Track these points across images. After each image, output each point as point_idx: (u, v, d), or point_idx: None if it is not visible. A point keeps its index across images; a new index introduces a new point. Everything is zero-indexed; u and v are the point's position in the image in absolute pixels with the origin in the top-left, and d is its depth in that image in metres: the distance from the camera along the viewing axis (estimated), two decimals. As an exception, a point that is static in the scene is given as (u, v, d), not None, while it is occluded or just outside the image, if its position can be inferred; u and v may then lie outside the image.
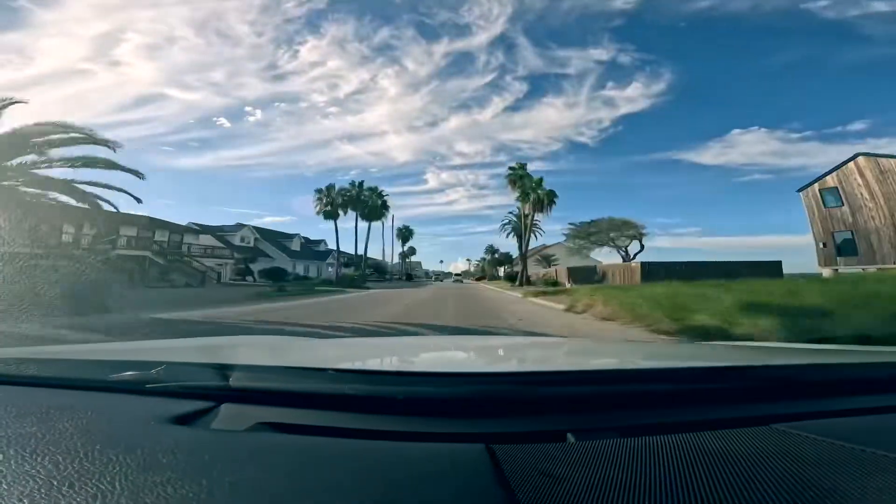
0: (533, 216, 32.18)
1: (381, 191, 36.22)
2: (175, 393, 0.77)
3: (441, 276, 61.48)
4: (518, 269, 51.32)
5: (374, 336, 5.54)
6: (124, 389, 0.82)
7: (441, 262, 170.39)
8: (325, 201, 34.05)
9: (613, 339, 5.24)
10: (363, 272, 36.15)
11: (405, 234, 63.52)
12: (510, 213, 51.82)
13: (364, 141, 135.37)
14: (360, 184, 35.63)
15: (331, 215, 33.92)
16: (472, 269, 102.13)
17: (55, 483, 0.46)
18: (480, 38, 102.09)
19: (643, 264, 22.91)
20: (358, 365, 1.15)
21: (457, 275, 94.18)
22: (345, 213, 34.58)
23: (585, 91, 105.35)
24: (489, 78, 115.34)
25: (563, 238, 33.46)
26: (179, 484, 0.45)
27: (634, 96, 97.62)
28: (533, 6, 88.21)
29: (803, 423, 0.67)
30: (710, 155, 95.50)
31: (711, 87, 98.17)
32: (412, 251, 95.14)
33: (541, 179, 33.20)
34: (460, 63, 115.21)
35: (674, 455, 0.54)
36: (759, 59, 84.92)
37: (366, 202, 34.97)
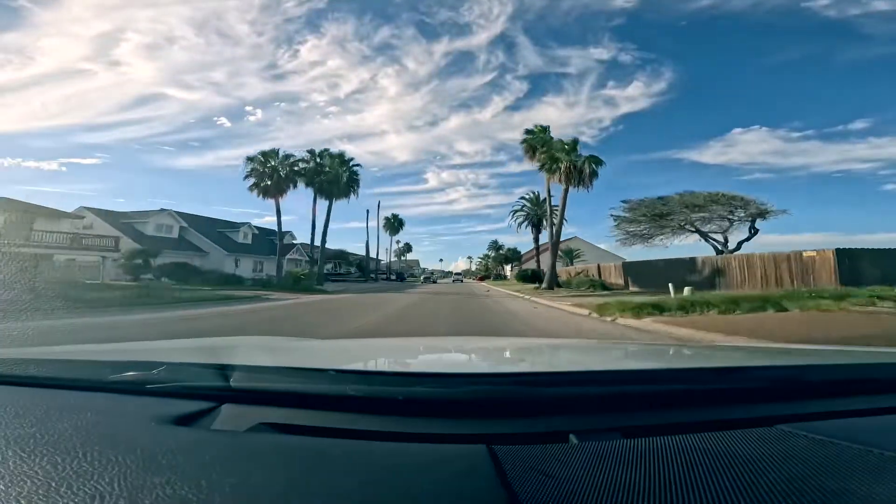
0: (566, 193, 21.91)
1: (350, 159, 25.79)
2: (176, 393, 0.76)
3: (432, 275, 50.21)
4: (532, 266, 41.47)
5: None
6: (125, 390, 0.81)
7: (441, 260, 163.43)
8: (261, 171, 23.65)
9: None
10: (320, 269, 25.74)
11: (394, 224, 52.77)
12: (522, 198, 41.39)
13: (364, 140, 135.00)
14: (323, 152, 25.28)
15: (270, 192, 23.49)
16: (472, 267, 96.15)
17: (53, 484, 0.45)
18: (481, 38, 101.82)
19: (841, 252, 12.21)
20: (359, 365, 1.16)
21: (456, 274, 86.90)
22: (292, 187, 24.21)
23: (586, 90, 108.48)
24: (489, 77, 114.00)
25: (612, 222, 22.77)
26: (179, 485, 0.45)
27: (635, 95, 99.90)
28: (533, 5, 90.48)
29: (807, 423, 0.66)
30: (710, 154, 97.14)
31: (712, 86, 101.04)
32: (408, 248, 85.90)
33: (575, 141, 23.04)
34: (460, 62, 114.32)
35: (677, 456, 0.53)
36: (760, 58, 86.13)
37: (325, 173, 24.43)
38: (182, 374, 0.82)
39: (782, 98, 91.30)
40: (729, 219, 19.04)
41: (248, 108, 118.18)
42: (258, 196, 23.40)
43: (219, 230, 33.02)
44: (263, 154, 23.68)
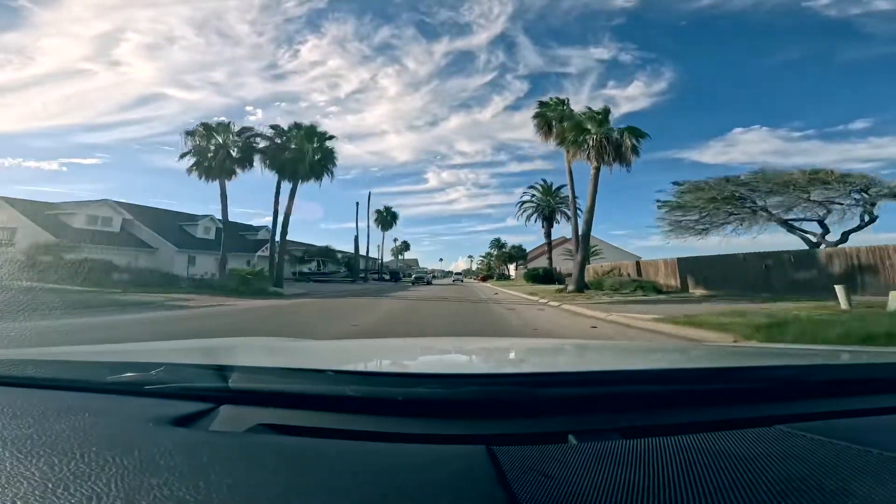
0: (598, 172, 16.95)
1: (324, 133, 20.44)
2: (174, 394, 0.76)
3: (426, 274, 43.43)
4: (541, 264, 36.26)
5: None
6: (123, 391, 0.80)
7: (441, 260, 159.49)
8: (203, 148, 18.44)
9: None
10: (278, 267, 20.26)
11: (386, 218, 47.44)
12: (531, 186, 36.22)
13: (364, 140, 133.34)
14: (291, 127, 20.00)
15: (213, 173, 18.26)
16: (473, 267, 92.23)
17: (50, 485, 0.45)
18: (481, 37, 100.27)
19: None
20: (358, 366, 1.14)
21: (457, 274, 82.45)
22: (248, 167, 19.04)
23: (586, 90, 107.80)
24: (490, 77, 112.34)
25: (661, 209, 17.48)
26: (177, 486, 0.45)
27: (635, 95, 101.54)
28: (533, 5, 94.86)
29: (806, 423, 0.66)
30: (711, 154, 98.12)
31: (713, 86, 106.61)
32: (405, 246, 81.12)
33: (607, 111, 18.10)
34: (461, 62, 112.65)
35: (676, 456, 0.53)
36: (761, 58, 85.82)
37: (290, 150, 19.18)
38: (180, 374, 0.81)
39: (783, 98, 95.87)
40: (833, 203, 13.82)
41: (249, 108, 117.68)
42: (200, 178, 18.18)
43: (178, 223, 28.12)
44: (206, 127, 18.33)
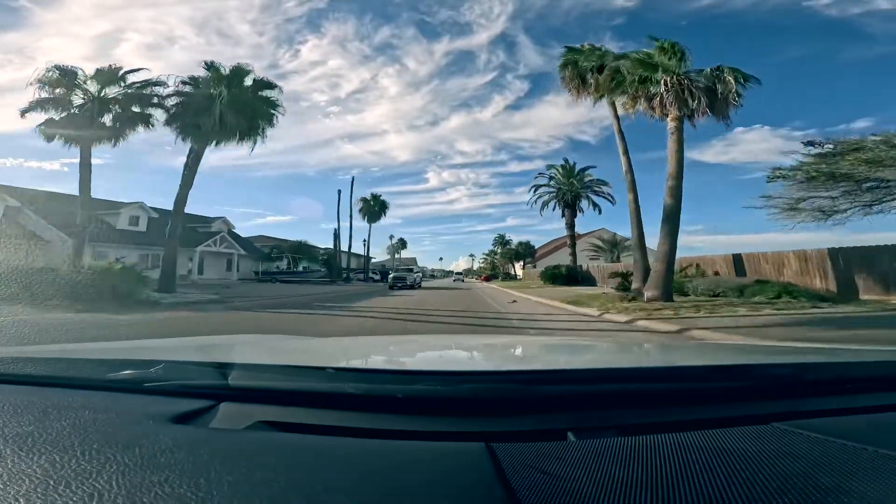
0: (680, 124, 10.69)
1: (261, 79, 13.80)
2: (174, 392, 0.76)
3: (410, 272, 29.08)
4: (560, 261, 28.98)
5: None
6: (123, 388, 0.80)
7: (441, 259, 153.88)
8: (66, 100, 11.89)
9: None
10: (168, 262, 13.39)
11: (373, 207, 40.66)
12: (551, 166, 28.28)
13: (365, 140, 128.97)
14: (207, 68, 13.27)
15: (76, 134, 11.52)
16: (474, 266, 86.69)
17: (51, 482, 0.45)
18: (481, 37, 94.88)
19: None
20: (358, 363, 1.14)
21: (457, 273, 76.54)
22: (139, 128, 12.58)
23: None
24: (490, 77, 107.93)
25: (775, 181, 10.75)
26: (178, 483, 0.45)
27: None
28: (534, 4, 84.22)
29: (802, 421, 0.66)
30: (712, 153, 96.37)
31: None
32: (402, 244, 75.00)
33: (682, 49, 11.61)
34: (461, 62, 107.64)
35: (674, 454, 0.54)
36: (761, 57, 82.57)
37: (199, 97, 12.56)
38: (180, 372, 0.81)
39: (784, 97, 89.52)
40: None
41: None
42: (56, 142, 11.65)
43: (97, 213, 22.00)
44: (65, 73, 11.64)
